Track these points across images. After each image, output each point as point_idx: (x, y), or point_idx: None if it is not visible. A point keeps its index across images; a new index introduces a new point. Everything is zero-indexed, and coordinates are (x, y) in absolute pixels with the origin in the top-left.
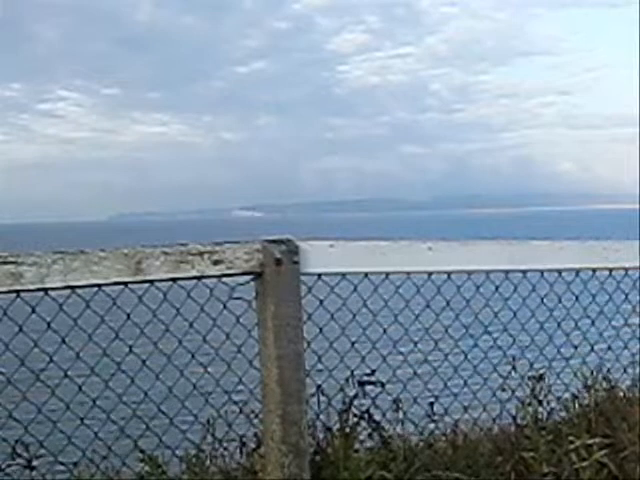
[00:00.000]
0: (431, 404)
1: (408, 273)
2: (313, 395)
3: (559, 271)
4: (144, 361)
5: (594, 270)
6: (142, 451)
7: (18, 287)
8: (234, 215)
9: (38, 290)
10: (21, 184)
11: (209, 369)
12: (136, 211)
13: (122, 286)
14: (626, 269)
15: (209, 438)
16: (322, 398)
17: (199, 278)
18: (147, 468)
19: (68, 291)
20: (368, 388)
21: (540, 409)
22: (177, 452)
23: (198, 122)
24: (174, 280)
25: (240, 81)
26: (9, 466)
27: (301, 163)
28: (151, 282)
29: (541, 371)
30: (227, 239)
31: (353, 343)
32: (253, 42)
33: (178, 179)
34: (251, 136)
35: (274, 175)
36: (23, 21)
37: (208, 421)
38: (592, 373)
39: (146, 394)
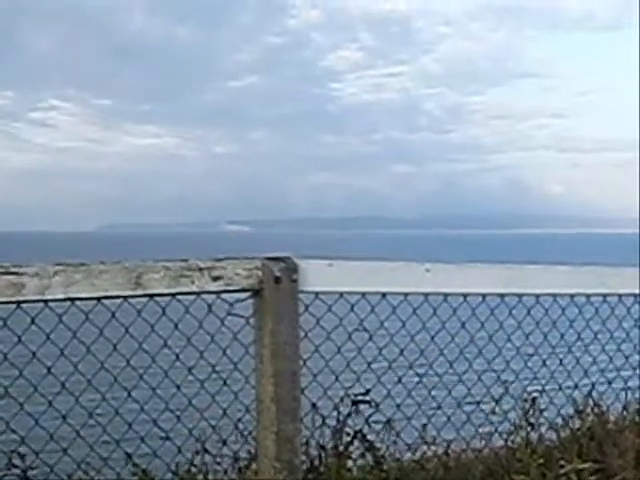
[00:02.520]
0: (424, 425)
1: (405, 294)
2: (308, 413)
3: (554, 296)
4: (141, 375)
5: (588, 296)
6: (136, 464)
7: (19, 298)
8: (223, 229)
9: (39, 301)
10: (10, 192)
11: (205, 384)
12: (125, 222)
13: (121, 299)
14: (620, 295)
15: (202, 453)
16: (316, 416)
17: (198, 294)
18: None
19: (68, 302)
20: (362, 407)
21: (532, 432)
22: (171, 466)
23: (189, 135)
24: (174, 295)
25: (233, 95)
26: (5, 476)
27: (292, 179)
28: (151, 296)
29: (534, 394)
30: (215, 253)
31: (348, 362)
32: (247, 56)
33: (168, 191)
34: (242, 150)
35: (264, 190)
36: (16, 29)
37: (201, 436)
38: (585, 398)
39: (142, 408)
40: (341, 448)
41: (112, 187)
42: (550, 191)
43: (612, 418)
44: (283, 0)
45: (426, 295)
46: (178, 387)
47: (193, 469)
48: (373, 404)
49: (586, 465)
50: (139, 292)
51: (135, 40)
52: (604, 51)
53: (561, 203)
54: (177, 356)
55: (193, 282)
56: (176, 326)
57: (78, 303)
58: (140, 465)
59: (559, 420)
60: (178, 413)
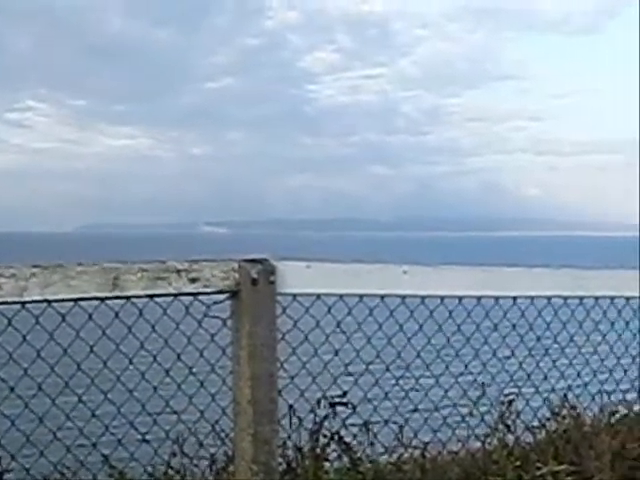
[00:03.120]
0: (401, 427)
1: (382, 296)
2: (285, 415)
3: (531, 298)
4: (118, 377)
5: (565, 298)
6: (112, 466)
7: None
8: (200, 230)
9: (16, 303)
10: None
11: (182, 386)
12: (102, 223)
13: (99, 301)
14: (596, 298)
15: (179, 455)
16: (294, 418)
17: (176, 295)
18: None
19: (45, 304)
20: (339, 409)
21: (508, 434)
22: (147, 468)
23: (165, 136)
24: (151, 297)
25: (209, 97)
26: None
27: (269, 180)
28: (128, 298)
29: (510, 397)
30: (193, 255)
31: (326, 364)
32: (223, 58)
33: (145, 192)
34: (219, 152)
35: (241, 191)
36: None
37: (178, 438)
38: (561, 400)
39: (119, 410)
40: (318, 450)
41: (89, 188)
42: (527, 194)
43: (588, 420)
44: (260, 1)
45: (403, 297)
46: (155, 389)
47: (170, 471)
48: (350, 406)
49: (562, 467)
50: (116, 294)
51: (111, 41)
52: (580, 54)
53: (538, 206)
54: (154, 358)
55: (170, 284)
56: (153, 328)
57: (55, 305)
58: (117, 467)
59: (535, 422)
60: (155, 415)
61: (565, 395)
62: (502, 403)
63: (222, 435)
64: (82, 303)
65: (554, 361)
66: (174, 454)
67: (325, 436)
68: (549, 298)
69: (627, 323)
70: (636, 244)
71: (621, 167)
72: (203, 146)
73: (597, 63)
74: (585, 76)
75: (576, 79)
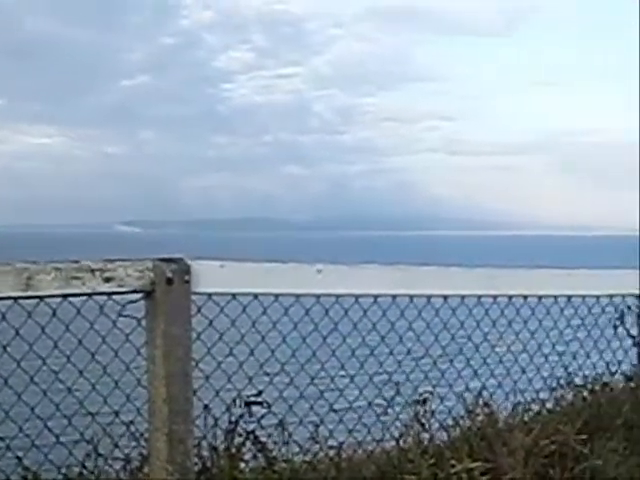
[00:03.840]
0: (316, 426)
1: (297, 295)
2: (200, 415)
3: (445, 297)
4: (32, 377)
5: (479, 297)
6: (26, 468)
7: None
8: (115, 230)
9: None
10: None
11: (97, 387)
12: (17, 222)
13: (11, 300)
14: (510, 296)
15: (94, 456)
16: (209, 418)
17: (90, 295)
18: None
19: None
20: (254, 409)
21: (423, 433)
22: (62, 470)
23: (81, 135)
24: (65, 296)
25: (125, 95)
26: None
27: (183, 180)
28: (42, 298)
29: (425, 396)
30: (108, 254)
31: (241, 363)
32: (139, 56)
33: (60, 192)
34: (134, 151)
35: (156, 191)
36: None
37: (93, 439)
38: (475, 398)
39: (33, 410)
40: (233, 450)
41: (4, 187)
42: (439, 194)
43: (502, 418)
44: (175, 0)
45: (318, 296)
46: (69, 390)
47: (84, 472)
48: (265, 405)
49: (476, 464)
50: (30, 293)
51: (27, 40)
52: (491, 56)
53: (451, 205)
54: (68, 358)
55: (84, 283)
56: (67, 328)
57: None
58: (30, 468)
59: (450, 421)
60: (69, 415)
61: (479, 393)
62: (417, 402)
63: (137, 435)
64: None
65: (468, 360)
66: (88, 455)
67: (240, 435)
68: (463, 297)
69: (540, 322)
70: (546, 242)
71: (530, 167)
72: (118, 145)
73: (507, 65)
74: (496, 78)
75: (487, 81)
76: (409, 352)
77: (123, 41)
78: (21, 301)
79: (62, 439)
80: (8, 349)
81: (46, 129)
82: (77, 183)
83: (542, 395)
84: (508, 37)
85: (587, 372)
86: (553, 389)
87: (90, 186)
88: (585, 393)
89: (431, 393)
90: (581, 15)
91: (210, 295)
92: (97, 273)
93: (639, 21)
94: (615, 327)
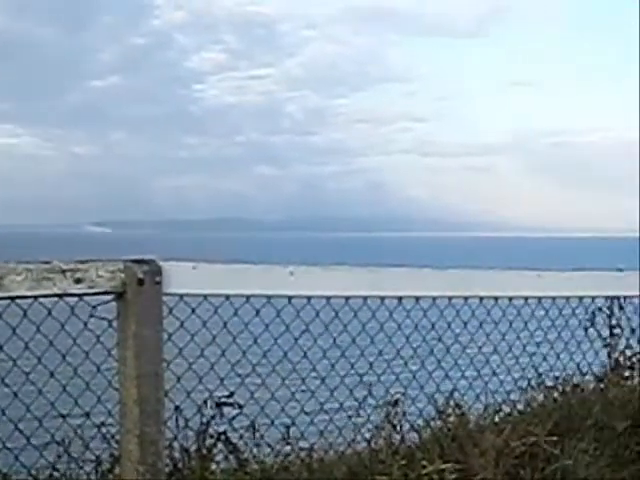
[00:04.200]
0: (287, 428)
1: (269, 297)
2: (171, 416)
3: (417, 298)
4: (2, 379)
5: (450, 298)
6: None
7: None
8: (86, 230)
9: None
10: None
11: (67, 388)
12: None
13: None
14: (481, 298)
15: (65, 458)
16: (180, 419)
17: (61, 296)
18: None
19: None
20: (226, 410)
21: (394, 434)
22: (32, 472)
23: (50, 135)
24: (35, 297)
25: (95, 96)
26: None
27: (155, 180)
28: (12, 299)
29: (396, 396)
30: (78, 255)
31: (212, 365)
32: (110, 57)
33: (29, 192)
34: (104, 151)
35: (127, 192)
36: None
37: (64, 440)
38: (446, 399)
39: (3, 412)
40: (204, 451)
41: None
42: (412, 195)
43: (473, 419)
44: (147, 1)
45: (290, 298)
46: (40, 391)
47: (55, 473)
48: (237, 406)
49: (447, 465)
50: (0, 294)
51: None
52: (465, 57)
53: (423, 207)
54: (39, 359)
55: (55, 284)
56: (38, 329)
57: None
58: (1, 470)
59: (421, 422)
60: (40, 417)
61: (450, 394)
62: (388, 403)
63: (108, 437)
64: None
65: (439, 361)
66: (59, 457)
67: (212, 437)
68: (434, 298)
69: (510, 323)
70: (519, 243)
71: (503, 168)
72: (88, 145)
73: (481, 66)
74: (469, 78)
75: (461, 81)
76: (380, 353)
77: (94, 41)
78: None
79: (33, 441)
80: None
81: (14, 129)
82: (46, 183)
83: (513, 396)
84: (483, 38)
85: (558, 373)
86: (524, 390)
87: (59, 186)
88: (556, 394)
89: (402, 394)
90: (555, 16)
91: (182, 296)
92: (68, 274)
93: (639, 21)
94: (586, 329)
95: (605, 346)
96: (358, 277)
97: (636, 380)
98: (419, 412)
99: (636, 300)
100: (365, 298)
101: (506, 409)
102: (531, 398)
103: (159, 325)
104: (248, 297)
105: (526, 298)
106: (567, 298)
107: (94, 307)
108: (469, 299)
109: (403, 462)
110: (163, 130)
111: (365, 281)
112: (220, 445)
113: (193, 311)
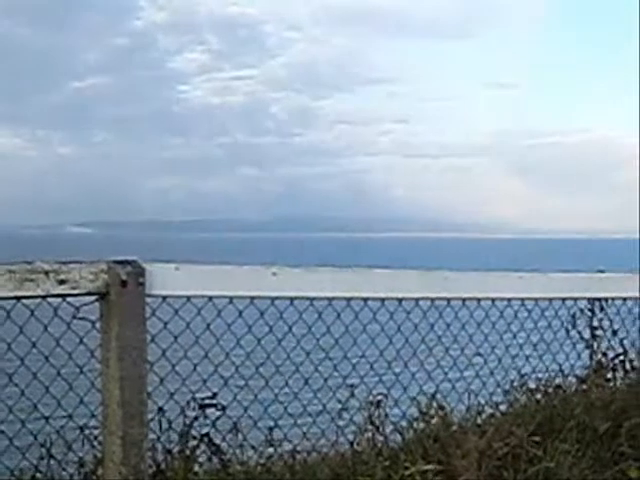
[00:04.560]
0: (270, 429)
1: (252, 298)
2: (154, 417)
3: (399, 299)
4: None
5: (433, 299)
6: None
7: None
8: (68, 231)
9: None
10: None
11: (50, 389)
12: None
13: None
14: (463, 299)
15: (48, 459)
16: (163, 420)
17: (44, 297)
18: None
19: None
20: (209, 411)
21: (377, 435)
22: (15, 473)
23: (33, 136)
24: (18, 299)
25: (78, 96)
26: None
27: (138, 181)
28: None
29: (379, 397)
30: (61, 256)
31: (195, 366)
32: (92, 57)
33: (10, 193)
34: (87, 152)
35: (109, 192)
36: None
37: (46, 442)
38: (429, 400)
39: None
40: (187, 452)
41: None
42: (394, 196)
43: (456, 420)
44: (129, 1)
45: (273, 299)
46: (23, 392)
47: (38, 475)
48: (220, 408)
49: (430, 466)
50: None
51: None
52: (447, 58)
53: (406, 208)
54: (22, 361)
55: (38, 285)
56: (21, 330)
57: None
58: None
59: (404, 423)
60: (23, 418)
61: (433, 396)
62: (371, 404)
63: (91, 438)
64: None
65: (422, 362)
66: (42, 458)
67: (195, 438)
68: (417, 300)
69: (493, 325)
70: (501, 244)
71: (485, 169)
72: (70, 146)
73: (464, 67)
74: (452, 80)
75: (443, 83)
76: (363, 355)
77: (77, 41)
78: None
79: (15, 442)
80: None
81: None
82: (27, 183)
83: (496, 398)
84: (466, 39)
85: (540, 375)
86: (506, 392)
87: (41, 187)
88: (538, 395)
89: (385, 396)
90: (539, 18)
91: (165, 297)
92: (51, 275)
93: (639, 22)
94: (568, 330)
95: (587, 347)
96: (341, 278)
97: (618, 382)
98: (402, 413)
99: (618, 302)
100: (348, 299)
101: (489, 410)
102: (514, 399)
103: (142, 326)
104: (231, 298)
105: (509, 299)
106: (549, 300)
107: (77, 308)
108: (452, 300)
109: (386, 463)
110: (147, 131)
111: (348, 282)
112: (203, 446)
113: (176, 312)
